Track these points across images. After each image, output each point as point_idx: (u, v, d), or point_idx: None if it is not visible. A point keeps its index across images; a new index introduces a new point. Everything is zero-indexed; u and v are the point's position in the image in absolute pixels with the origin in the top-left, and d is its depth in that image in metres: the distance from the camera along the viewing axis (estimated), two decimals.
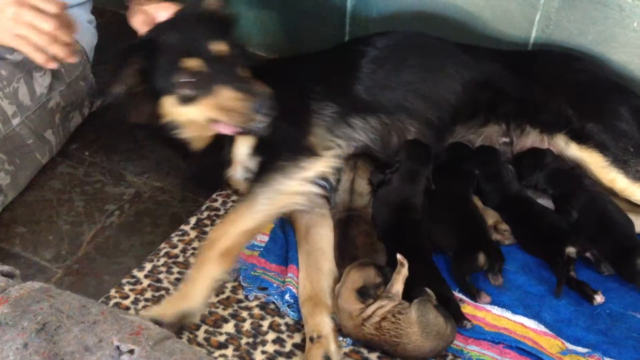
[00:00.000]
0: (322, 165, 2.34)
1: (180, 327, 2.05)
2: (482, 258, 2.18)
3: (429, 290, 2.08)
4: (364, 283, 2.05)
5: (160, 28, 2.26)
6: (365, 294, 2.03)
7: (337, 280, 2.14)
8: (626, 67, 2.65)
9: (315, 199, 2.37)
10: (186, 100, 2.17)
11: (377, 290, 2.05)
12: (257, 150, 2.34)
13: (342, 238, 2.28)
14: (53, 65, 2.36)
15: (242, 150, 2.37)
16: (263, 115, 2.12)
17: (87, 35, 2.77)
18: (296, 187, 2.28)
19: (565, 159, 2.47)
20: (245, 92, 2.13)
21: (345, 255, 2.22)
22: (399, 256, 2.07)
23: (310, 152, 2.34)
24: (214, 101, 2.15)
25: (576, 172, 2.42)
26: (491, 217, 2.39)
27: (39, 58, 2.32)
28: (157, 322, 1.90)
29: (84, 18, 2.76)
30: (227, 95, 2.13)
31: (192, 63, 2.13)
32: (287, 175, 2.27)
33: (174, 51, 2.15)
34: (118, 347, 1.61)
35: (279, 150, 2.31)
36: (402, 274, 2.06)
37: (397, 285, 2.05)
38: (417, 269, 2.10)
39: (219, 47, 2.18)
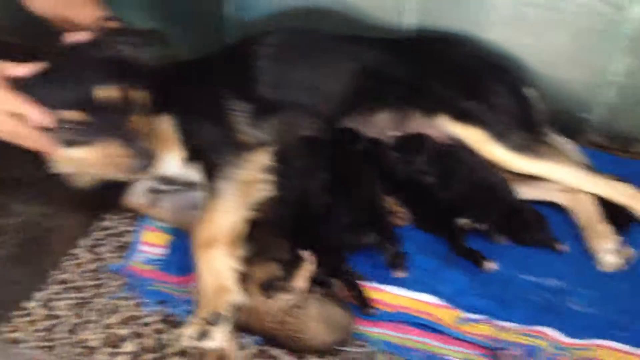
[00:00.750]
0: (265, 156, 2.34)
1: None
2: (372, 237, 2.25)
3: (333, 280, 2.12)
4: (267, 278, 2.07)
5: (32, 81, 2.09)
6: (269, 288, 2.04)
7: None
8: (497, 44, 2.74)
9: None
10: (70, 144, 2.12)
11: (280, 283, 2.07)
12: (193, 157, 2.31)
13: (252, 239, 2.25)
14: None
15: (169, 159, 2.32)
16: (143, 171, 2.12)
17: None
18: (254, 176, 2.28)
19: (447, 139, 2.54)
20: (129, 149, 2.09)
21: (250, 257, 2.20)
22: (304, 253, 2.10)
23: (248, 147, 2.34)
24: (95, 154, 2.11)
25: (453, 150, 2.50)
26: (389, 201, 2.45)
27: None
28: (217, 317, 1.94)
29: None
30: (109, 150, 2.10)
31: (71, 115, 2.07)
32: (240, 167, 2.26)
33: (50, 103, 2.06)
34: None
35: (219, 150, 2.29)
36: (306, 270, 2.08)
37: (300, 280, 2.07)
38: (322, 260, 2.13)
39: (106, 93, 2.10)
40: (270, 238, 2.27)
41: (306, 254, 2.10)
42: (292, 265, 2.12)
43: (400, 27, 2.84)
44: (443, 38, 2.76)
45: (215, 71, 2.56)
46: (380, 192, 2.44)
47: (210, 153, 2.29)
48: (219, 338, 1.97)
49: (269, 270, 2.10)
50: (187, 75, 2.56)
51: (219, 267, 2.07)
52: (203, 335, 1.95)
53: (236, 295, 2.03)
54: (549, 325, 2.04)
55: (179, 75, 2.56)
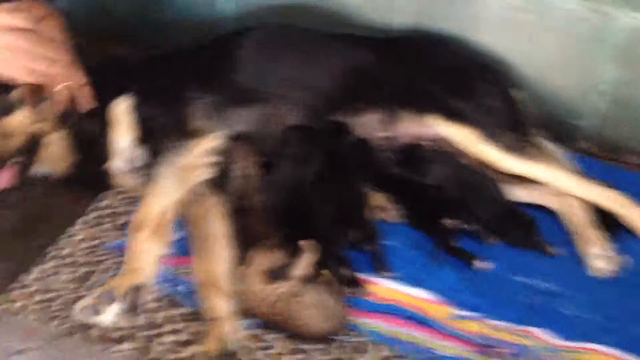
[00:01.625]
0: (211, 142, 2.41)
1: (135, 304, 2.07)
2: (352, 234, 2.29)
3: (326, 272, 2.14)
4: (271, 265, 2.10)
5: None
6: (272, 275, 2.07)
7: (237, 264, 2.20)
8: (491, 47, 2.79)
9: (202, 189, 2.40)
10: None
11: (284, 270, 2.09)
12: (143, 139, 2.41)
13: (239, 226, 2.31)
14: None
15: (123, 140, 2.43)
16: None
17: None
18: (194, 161, 2.36)
19: (437, 138, 2.58)
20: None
21: (244, 244, 2.24)
22: (303, 242, 2.11)
23: (197, 134, 2.41)
24: None
25: (443, 153, 2.53)
26: (376, 197, 2.48)
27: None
28: (111, 296, 2.01)
29: None
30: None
31: None
32: (182, 153, 2.35)
33: None
34: (9, 348, 1.59)
35: (166, 135, 2.38)
36: (306, 259, 2.10)
37: (299, 269, 2.08)
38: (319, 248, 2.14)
39: None
40: (267, 229, 2.29)
41: (308, 243, 2.12)
42: (292, 253, 2.15)
43: (392, 27, 2.88)
44: (433, 38, 2.80)
45: (192, 62, 2.61)
46: (364, 189, 2.47)
47: (156, 138, 2.38)
48: (110, 316, 2.02)
49: (273, 256, 2.12)
50: (158, 62, 2.65)
51: (141, 250, 2.17)
52: (95, 310, 2.01)
53: (142, 278, 2.12)
54: (538, 326, 2.09)
55: (151, 63, 2.66)
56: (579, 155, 2.75)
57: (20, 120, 2.35)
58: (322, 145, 2.53)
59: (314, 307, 2.04)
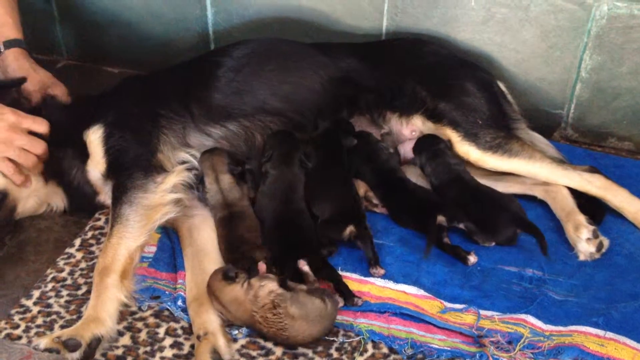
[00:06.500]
0: (175, 178, 2.42)
1: (93, 354, 2.05)
2: (348, 230, 2.32)
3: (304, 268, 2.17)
4: (221, 269, 2.15)
5: None
6: (229, 276, 2.11)
7: None
8: (470, 44, 2.86)
9: (192, 203, 2.46)
10: None
11: (239, 271, 2.14)
12: (109, 173, 2.41)
13: (230, 234, 2.35)
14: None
15: (94, 173, 2.45)
16: None
17: None
18: (160, 200, 2.36)
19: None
20: None
21: (236, 251, 2.29)
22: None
23: (161, 169, 2.42)
24: None
25: (456, 168, 2.52)
26: (361, 187, 2.55)
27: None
28: (74, 344, 1.99)
29: None
30: None
31: None
32: (148, 191, 2.35)
33: None
34: None
35: (132, 171, 2.37)
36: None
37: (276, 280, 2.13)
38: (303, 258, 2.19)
39: None
40: (257, 236, 2.34)
41: (303, 262, 2.16)
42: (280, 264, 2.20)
43: (380, 31, 2.95)
44: (414, 40, 2.86)
45: (170, 83, 2.63)
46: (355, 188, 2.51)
47: (122, 172, 2.37)
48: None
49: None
50: (134, 87, 2.65)
51: (105, 298, 2.15)
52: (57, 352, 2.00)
53: (104, 330, 2.09)
54: (529, 313, 2.13)
55: (127, 88, 2.65)
56: (563, 144, 2.82)
57: None
58: (317, 149, 2.56)
59: (300, 316, 2.06)
